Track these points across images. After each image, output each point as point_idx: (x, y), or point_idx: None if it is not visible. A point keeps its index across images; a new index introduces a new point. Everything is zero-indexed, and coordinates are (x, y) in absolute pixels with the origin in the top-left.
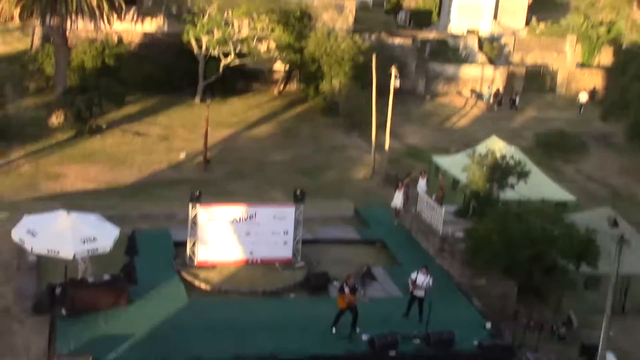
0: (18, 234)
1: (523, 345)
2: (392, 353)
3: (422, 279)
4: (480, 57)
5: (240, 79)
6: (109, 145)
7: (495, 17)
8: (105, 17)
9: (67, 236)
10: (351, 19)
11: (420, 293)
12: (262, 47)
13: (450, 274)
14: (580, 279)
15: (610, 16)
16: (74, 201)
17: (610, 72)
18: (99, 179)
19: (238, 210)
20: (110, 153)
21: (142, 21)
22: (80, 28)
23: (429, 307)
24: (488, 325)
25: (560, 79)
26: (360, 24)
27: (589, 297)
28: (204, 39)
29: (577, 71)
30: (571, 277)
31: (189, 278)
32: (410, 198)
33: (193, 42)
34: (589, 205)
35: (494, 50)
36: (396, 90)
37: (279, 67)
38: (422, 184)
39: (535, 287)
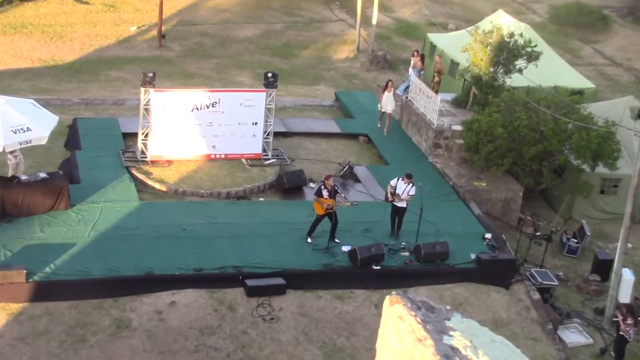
0: None
1: (527, 260)
2: (377, 267)
3: (402, 187)
4: None
5: None
6: (44, 14)
7: None
8: None
9: None
10: None
11: (401, 204)
12: None
13: (445, 174)
14: (596, 182)
15: None
16: (3, 82)
17: None
18: (32, 55)
19: (198, 96)
20: (46, 24)
21: None
22: None
23: (420, 213)
24: (488, 236)
25: None
26: None
27: (605, 203)
28: None
29: None
30: (585, 179)
31: (140, 176)
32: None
33: None
34: (609, 94)
35: None
36: None
37: None
38: (415, 65)
39: (543, 191)
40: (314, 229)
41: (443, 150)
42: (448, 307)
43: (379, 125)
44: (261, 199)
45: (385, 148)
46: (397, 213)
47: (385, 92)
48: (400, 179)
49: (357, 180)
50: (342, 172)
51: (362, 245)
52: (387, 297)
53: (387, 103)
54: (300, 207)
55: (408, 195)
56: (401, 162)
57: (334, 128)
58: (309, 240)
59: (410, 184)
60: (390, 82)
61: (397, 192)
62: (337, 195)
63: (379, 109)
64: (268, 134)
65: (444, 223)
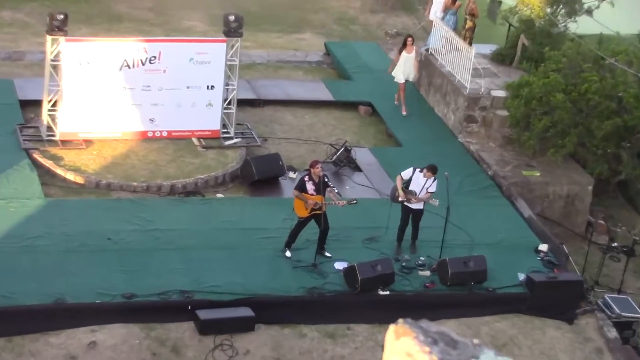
0: None
1: (600, 283)
2: (384, 292)
3: (420, 182)
4: None
5: None
6: None
7: None
8: None
9: None
10: None
11: (417, 206)
12: None
13: (482, 159)
14: None
15: None
16: None
17: None
18: None
19: (130, 48)
20: None
21: None
22: None
23: (446, 216)
24: (543, 247)
25: None
26: None
27: None
28: None
29: None
30: None
31: (46, 163)
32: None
33: None
34: None
35: None
36: None
37: None
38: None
39: (622, 184)
40: (294, 237)
41: (479, 126)
42: (476, 341)
43: (396, 103)
44: (220, 195)
45: (396, 122)
46: (411, 217)
47: (404, 53)
48: (419, 170)
49: (357, 169)
50: (334, 157)
51: (363, 261)
52: (392, 326)
53: (406, 68)
54: (275, 206)
55: (427, 192)
56: (419, 143)
57: (324, 94)
58: (288, 254)
59: (433, 180)
60: (410, 39)
61: (412, 188)
62: (328, 189)
63: (394, 77)
64: (229, 103)
65: (481, 229)
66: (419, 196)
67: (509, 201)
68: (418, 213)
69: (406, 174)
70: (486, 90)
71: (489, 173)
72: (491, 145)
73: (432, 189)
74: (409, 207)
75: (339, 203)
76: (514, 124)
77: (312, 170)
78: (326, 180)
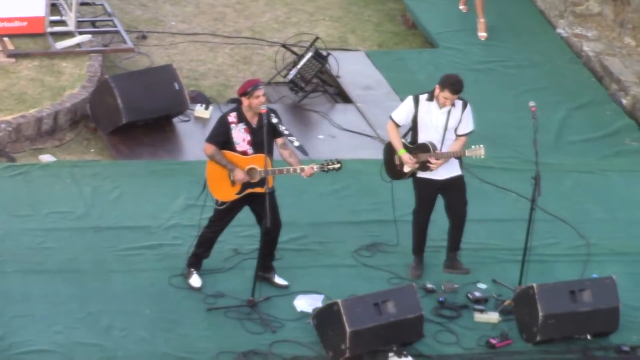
0: None
1: None
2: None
3: (435, 119)
4: None
5: None
6: None
7: None
8: None
9: None
10: None
11: (446, 172)
12: None
13: (607, 73)
14: None
15: None
16: None
17: None
18: None
19: None
20: None
21: None
22: None
23: (533, 194)
24: None
25: None
26: None
27: None
28: None
29: None
30: None
31: None
32: None
33: None
34: None
35: None
36: None
37: None
38: None
39: None
40: (207, 247)
41: (600, 1)
42: None
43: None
44: (47, 158)
45: None
46: (443, 198)
47: None
48: (425, 97)
49: (341, 97)
50: (293, 72)
51: (355, 295)
52: None
53: None
54: (164, 180)
55: (458, 136)
56: (471, 40)
57: None
58: (195, 281)
59: (463, 106)
60: None
61: (422, 138)
62: (278, 140)
63: None
64: None
65: (606, 224)
66: (443, 151)
67: None
68: (453, 186)
69: (402, 113)
70: None
71: (624, 102)
72: (628, 42)
73: (466, 124)
74: (430, 180)
75: (301, 170)
76: None
77: (245, 100)
78: (274, 121)
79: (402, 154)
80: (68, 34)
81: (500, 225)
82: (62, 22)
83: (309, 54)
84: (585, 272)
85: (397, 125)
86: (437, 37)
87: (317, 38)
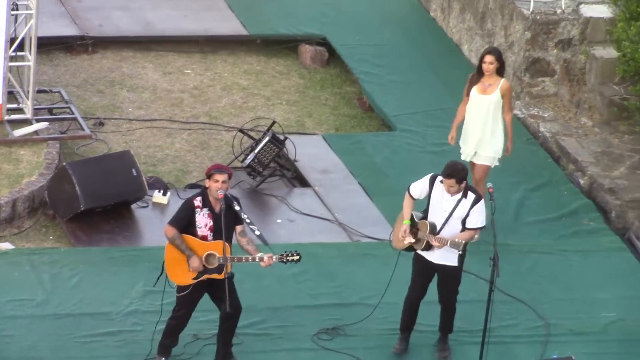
0: None
1: None
2: None
3: (445, 203)
4: None
5: None
6: None
7: None
8: None
9: None
10: None
11: (444, 256)
12: None
13: (564, 153)
14: None
15: None
16: None
17: None
18: None
19: None
20: None
21: None
22: None
23: (492, 274)
24: None
25: None
26: None
27: None
28: None
29: None
30: None
31: None
32: None
33: None
34: None
35: None
36: None
37: None
38: None
39: None
40: (172, 336)
41: (557, 82)
42: None
43: None
44: (5, 247)
45: (380, 77)
46: (438, 281)
47: None
48: (440, 179)
49: (298, 180)
50: (251, 157)
51: None
52: None
53: None
54: (124, 266)
55: (468, 230)
56: (428, 122)
57: (229, 24)
58: None
59: (474, 198)
60: None
61: (431, 218)
62: (237, 228)
63: None
64: (22, 48)
65: (565, 302)
66: (445, 236)
67: (625, 240)
68: (444, 274)
69: (418, 188)
70: (569, 6)
71: (581, 182)
72: (584, 123)
73: (475, 219)
74: (424, 259)
75: (260, 259)
76: (632, 72)
77: (207, 182)
78: (235, 207)
79: (403, 224)
80: (25, 122)
81: (459, 307)
82: (19, 110)
83: (266, 139)
84: (545, 353)
85: (412, 198)
86: (393, 120)
87: (274, 122)
